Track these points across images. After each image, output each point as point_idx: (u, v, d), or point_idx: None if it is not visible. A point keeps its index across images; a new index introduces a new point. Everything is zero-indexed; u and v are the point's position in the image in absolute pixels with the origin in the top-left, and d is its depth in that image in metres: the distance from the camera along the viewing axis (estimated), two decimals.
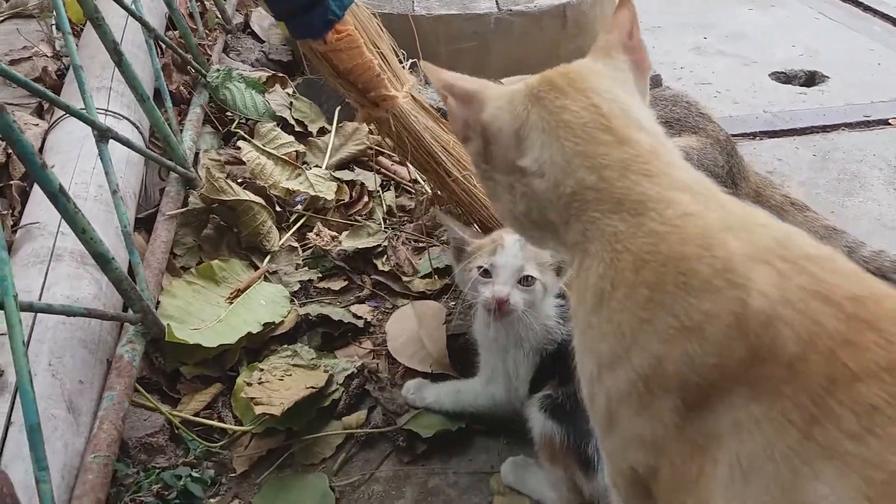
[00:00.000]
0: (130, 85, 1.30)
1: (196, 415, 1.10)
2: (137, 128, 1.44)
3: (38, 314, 0.99)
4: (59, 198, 0.91)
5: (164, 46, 1.68)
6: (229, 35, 2.18)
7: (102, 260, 0.96)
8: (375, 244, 1.45)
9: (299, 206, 1.54)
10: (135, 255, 1.08)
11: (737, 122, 2.04)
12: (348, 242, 1.45)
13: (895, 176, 1.81)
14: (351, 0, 1.06)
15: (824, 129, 2.02)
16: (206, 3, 2.08)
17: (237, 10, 2.44)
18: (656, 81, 1.90)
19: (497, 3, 1.98)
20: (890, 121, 2.05)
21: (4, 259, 0.76)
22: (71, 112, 1.08)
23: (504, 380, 1.06)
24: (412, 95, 1.21)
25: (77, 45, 1.71)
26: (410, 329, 1.26)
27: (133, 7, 1.45)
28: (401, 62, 1.31)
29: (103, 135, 1.10)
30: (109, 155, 1.11)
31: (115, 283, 0.98)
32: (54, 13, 1.59)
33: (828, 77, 2.29)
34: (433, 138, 1.25)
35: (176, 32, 1.88)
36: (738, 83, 2.22)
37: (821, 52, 2.46)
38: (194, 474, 0.97)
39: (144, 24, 1.47)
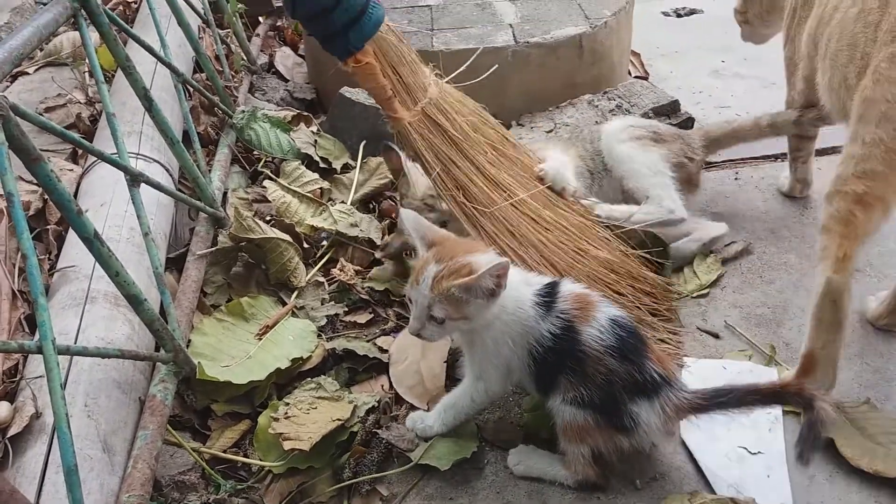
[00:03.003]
0: (160, 129, 1.35)
1: (225, 451, 1.12)
2: (167, 170, 1.49)
3: (74, 356, 1.02)
4: (93, 243, 0.94)
5: (191, 90, 1.74)
6: (254, 76, 2.24)
7: (135, 301, 1.00)
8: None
9: (324, 242, 1.58)
10: (166, 296, 1.12)
11: (758, 144, 2.04)
12: (375, 282, 1.48)
13: None
14: (372, 32, 1.10)
15: (824, 151, 2.00)
16: (231, 46, 2.14)
17: (262, 51, 2.51)
18: (674, 107, 1.91)
19: (514, 36, 2.01)
20: None
21: (43, 305, 0.79)
22: (104, 159, 1.13)
23: (493, 372, 1.09)
24: (425, 112, 1.22)
25: (108, 91, 1.78)
26: (413, 356, 1.29)
27: (162, 53, 1.51)
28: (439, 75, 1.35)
29: (135, 179, 1.14)
30: (141, 198, 1.15)
31: (147, 323, 1.02)
32: (87, 61, 1.66)
33: None
34: (438, 156, 1.25)
35: (203, 75, 1.95)
36: (757, 105, 2.21)
37: None
38: None
39: (173, 69, 1.52)
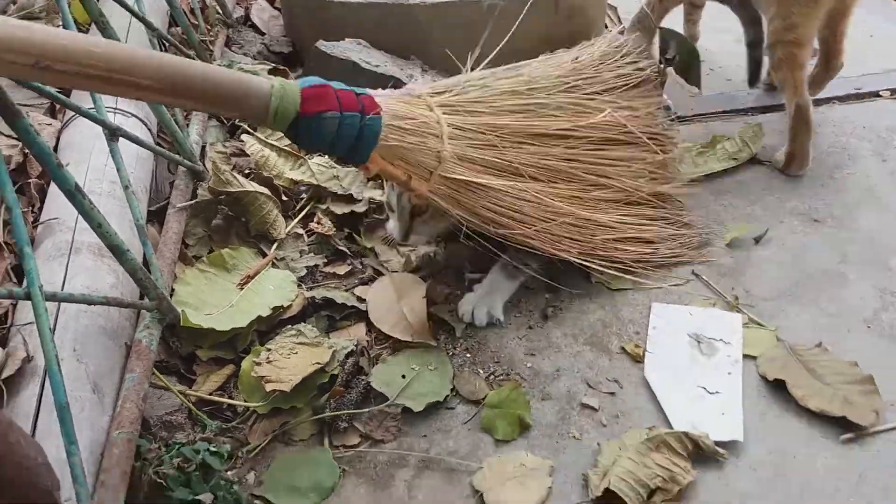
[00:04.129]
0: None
1: (210, 394, 1.17)
2: (146, 124, 1.51)
3: (62, 304, 1.06)
4: (75, 195, 0.97)
5: (167, 44, 1.74)
6: (230, 29, 2.23)
7: (118, 252, 1.03)
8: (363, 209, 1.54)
9: (304, 196, 1.61)
10: (148, 247, 1.15)
11: (728, 98, 2.08)
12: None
13: (884, 148, 1.85)
14: (372, 146, 1.14)
15: (815, 102, 2.02)
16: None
17: (237, 4, 2.49)
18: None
19: None
20: (880, 93, 2.08)
21: (30, 254, 0.82)
22: (81, 113, 1.15)
23: None
24: (442, 176, 1.23)
25: None
26: (391, 299, 1.36)
27: (136, 7, 1.51)
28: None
29: (113, 133, 1.17)
30: (120, 153, 1.17)
31: (131, 272, 1.05)
32: (60, 15, 1.66)
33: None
34: (463, 205, 1.27)
35: (178, 29, 1.94)
36: (732, 59, 2.25)
37: None
38: (212, 448, 1.04)
39: (147, 23, 1.52)
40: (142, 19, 1.51)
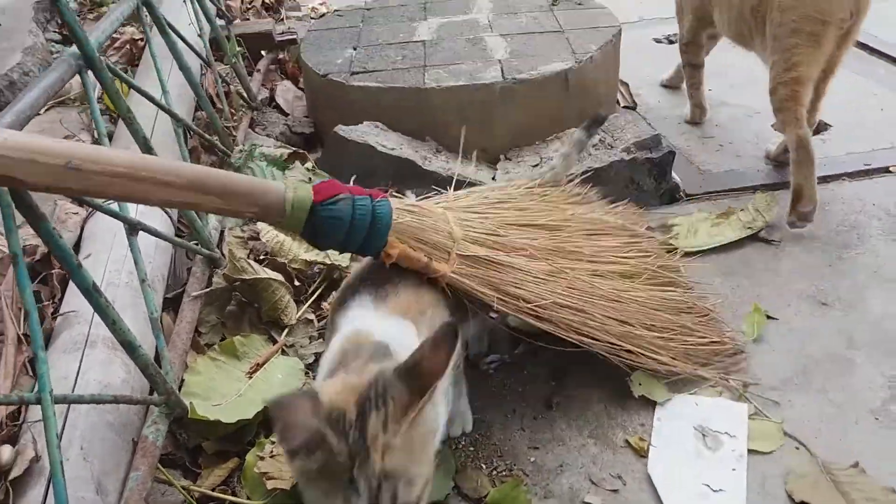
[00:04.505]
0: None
1: (215, 488, 1.20)
2: (167, 212, 1.57)
3: None
4: (92, 294, 1.02)
5: (191, 132, 1.83)
6: (255, 112, 2.33)
7: (130, 348, 1.08)
8: None
9: (316, 279, 1.65)
10: (160, 340, 1.20)
11: (738, 175, 2.11)
12: None
13: (894, 226, 1.85)
14: (387, 230, 1.17)
15: (825, 179, 2.06)
16: (231, 85, 2.23)
17: (263, 85, 2.61)
18: (655, 141, 1.98)
19: (502, 72, 2.09)
20: (891, 168, 2.09)
21: (43, 359, 0.87)
22: (103, 210, 1.21)
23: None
24: (460, 255, 1.27)
25: (115, 132, 1.87)
26: None
27: (163, 99, 1.60)
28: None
29: (133, 228, 1.22)
30: (139, 246, 1.23)
31: (142, 368, 1.10)
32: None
33: (830, 126, 2.34)
34: (489, 282, 1.30)
35: (204, 113, 2.04)
36: (741, 135, 2.28)
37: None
38: None
39: (173, 115, 1.60)
40: (168, 111, 1.59)
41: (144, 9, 1.66)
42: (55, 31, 2.84)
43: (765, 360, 1.47)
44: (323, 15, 3.54)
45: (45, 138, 0.92)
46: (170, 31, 1.74)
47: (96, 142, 1.90)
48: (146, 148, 1.38)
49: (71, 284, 1.35)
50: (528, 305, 1.31)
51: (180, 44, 1.81)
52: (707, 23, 2.15)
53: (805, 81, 1.77)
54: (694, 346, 1.47)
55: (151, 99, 1.51)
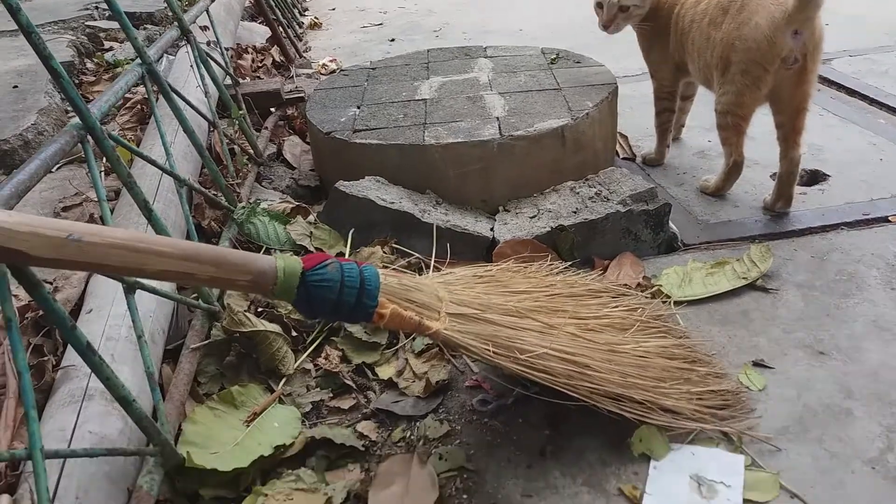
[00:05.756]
0: (160, 234, 1.48)
1: None
2: None
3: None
4: (86, 353, 1.05)
5: (194, 192, 1.88)
6: (261, 167, 2.40)
7: (124, 402, 1.10)
8: (376, 359, 1.58)
9: (314, 329, 1.68)
10: (156, 394, 1.23)
11: (736, 225, 2.13)
12: (355, 358, 1.59)
13: (893, 275, 1.85)
14: (377, 288, 1.22)
15: (823, 229, 2.08)
16: (236, 144, 2.30)
17: (271, 140, 2.69)
18: (651, 194, 2.01)
19: (500, 129, 2.15)
20: (890, 218, 2.11)
21: (33, 417, 0.90)
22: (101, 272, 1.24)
23: None
24: (448, 314, 1.31)
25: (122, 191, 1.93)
26: (399, 488, 1.29)
27: (166, 163, 1.66)
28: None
29: (131, 287, 1.26)
30: (136, 304, 1.26)
31: (137, 421, 1.12)
32: (104, 162, 1.82)
33: (829, 175, 2.37)
34: (480, 336, 1.32)
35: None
36: (739, 185, 2.31)
37: (824, 149, 2.54)
38: None
39: (176, 177, 1.66)
40: (170, 174, 1.65)
41: (149, 76, 1.73)
42: None
43: (762, 410, 1.47)
44: (333, 72, 3.66)
45: (48, 218, 0.98)
46: (174, 96, 1.81)
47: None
48: (147, 210, 1.43)
49: (70, 348, 1.38)
50: (524, 357, 1.32)
51: (185, 107, 1.89)
52: (684, 72, 2.34)
53: (748, 117, 2.05)
54: (698, 394, 1.47)
55: (153, 163, 1.57)
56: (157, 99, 1.84)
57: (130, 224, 1.66)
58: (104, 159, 1.41)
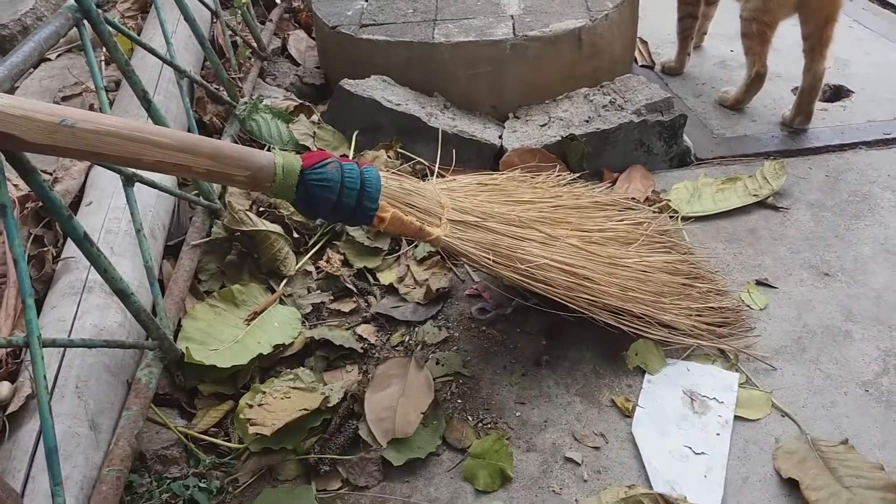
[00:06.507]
0: (158, 124, 1.44)
1: (207, 430, 1.24)
2: None
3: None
4: (83, 244, 1.05)
5: (196, 85, 1.83)
6: (265, 62, 2.32)
7: (122, 295, 1.10)
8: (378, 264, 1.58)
9: (317, 231, 1.67)
10: (155, 288, 1.23)
11: (751, 140, 2.07)
12: (357, 262, 1.59)
13: None
14: (378, 190, 1.18)
15: (841, 147, 2.02)
16: (239, 36, 2.21)
17: (275, 34, 2.59)
18: (668, 104, 1.95)
19: (513, 29, 2.05)
20: None
21: (30, 305, 0.90)
22: (97, 162, 1.22)
23: None
24: (450, 220, 1.28)
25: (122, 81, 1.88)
26: (394, 390, 1.31)
27: (167, 53, 1.60)
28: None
29: (129, 179, 1.24)
30: (135, 197, 1.25)
31: (135, 314, 1.12)
32: (103, 50, 1.75)
33: (853, 92, 2.28)
34: (480, 245, 1.30)
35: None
36: (759, 98, 2.23)
37: (850, 63, 2.44)
38: (201, 484, 1.10)
39: (176, 67, 1.61)
40: (171, 64, 1.59)
41: None
42: None
43: (761, 329, 1.47)
44: None
45: (41, 102, 0.95)
46: None
47: (106, 88, 1.92)
48: (146, 101, 1.38)
49: (69, 241, 1.37)
50: (523, 266, 1.31)
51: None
52: None
53: (774, 25, 1.98)
54: (697, 311, 1.46)
55: (153, 51, 1.51)
56: None
57: (130, 115, 1.62)
58: (103, 48, 1.36)
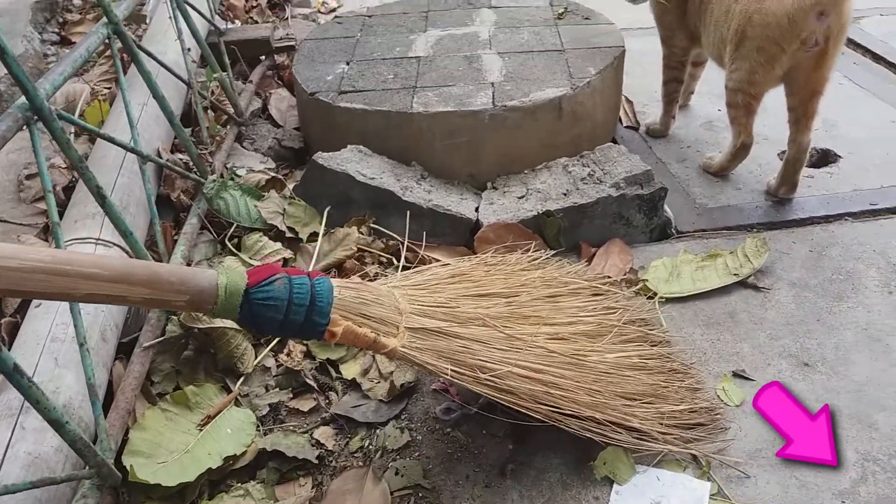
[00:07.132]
0: (114, 222, 1.41)
1: None
2: (128, 254, 1.55)
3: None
4: (13, 376, 1.00)
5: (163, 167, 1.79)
6: (242, 126, 2.29)
7: (56, 425, 1.06)
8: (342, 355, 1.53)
9: None
10: (97, 407, 1.18)
11: (735, 211, 2.02)
12: (320, 354, 1.54)
13: (892, 276, 1.75)
14: (329, 304, 1.14)
15: (826, 219, 1.97)
16: (215, 103, 2.19)
17: (257, 94, 2.56)
18: (647, 177, 1.90)
19: (493, 98, 2.02)
20: None
21: None
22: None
23: None
24: (408, 328, 1.23)
25: (90, 154, 1.85)
26: None
27: (130, 139, 1.57)
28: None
29: None
30: (79, 309, 1.21)
31: (70, 444, 1.08)
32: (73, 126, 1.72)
33: (840, 157, 2.23)
34: (442, 355, 1.25)
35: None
36: (744, 163, 2.17)
37: (839, 124, 2.39)
38: None
39: (138, 154, 1.57)
40: (131, 150, 1.56)
41: (116, 38, 1.62)
42: (54, 32, 2.83)
43: (736, 428, 1.41)
44: (333, 10, 3.49)
45: None
46: (143, 60, 1.70)
47: (70, 167, 1.89)
48: (100, 197, 1.35)
49: (14, 346, 1.33)
50: (485, 376, 1.26)
51: (158, 70, 1.78)
52: (698, 42, 2.17)
53: (760, 97, 1.93)
54: (670, 413, 1.41)
55: (113, 141, 1.48)
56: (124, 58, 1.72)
57: (90, 203, 1.58)
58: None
